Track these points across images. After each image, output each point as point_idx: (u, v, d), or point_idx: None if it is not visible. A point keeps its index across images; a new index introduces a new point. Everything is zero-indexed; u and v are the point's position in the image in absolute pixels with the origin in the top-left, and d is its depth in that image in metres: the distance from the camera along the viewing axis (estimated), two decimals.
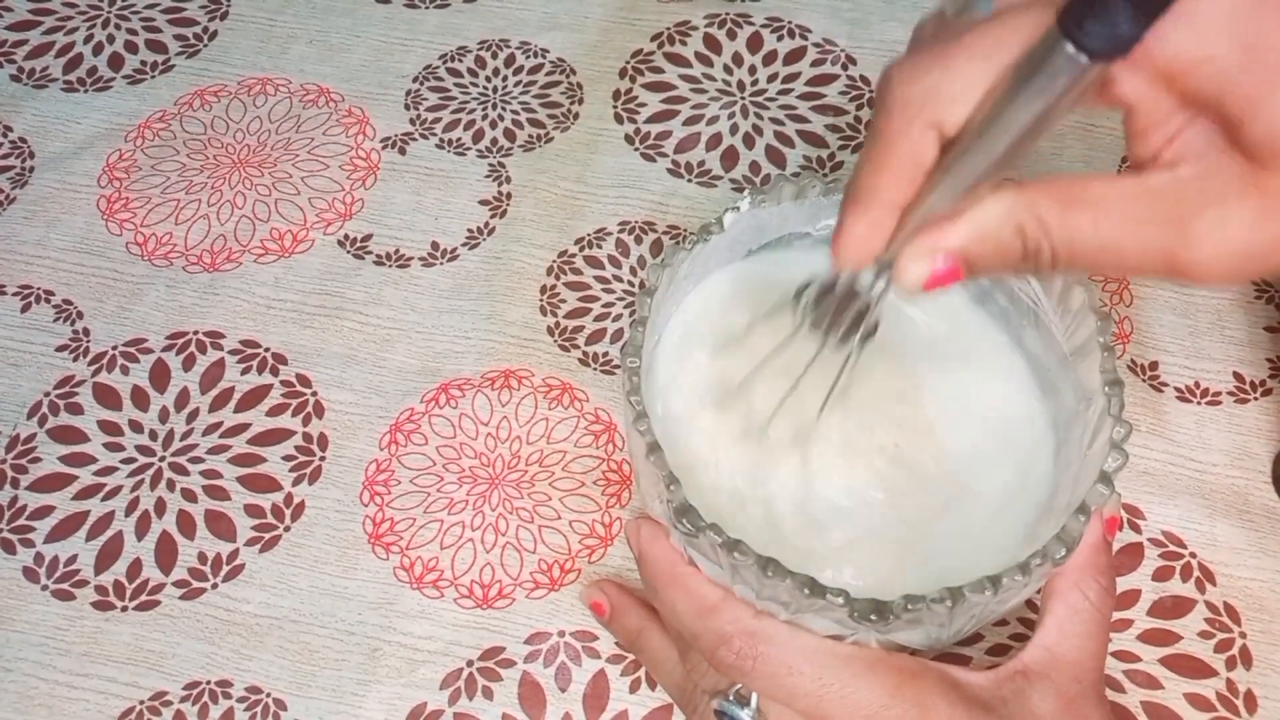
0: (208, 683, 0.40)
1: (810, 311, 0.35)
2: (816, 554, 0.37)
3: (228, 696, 0.39)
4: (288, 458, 0.45)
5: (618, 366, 0.47)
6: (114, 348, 0.48)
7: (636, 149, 0.54)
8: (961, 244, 0.28)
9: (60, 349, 0.48)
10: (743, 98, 0.56)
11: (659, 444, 0.33)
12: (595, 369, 0.47)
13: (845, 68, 0.57)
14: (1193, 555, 0.42)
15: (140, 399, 0.46)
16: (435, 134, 0.55)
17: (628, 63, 0.57)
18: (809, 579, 0.31)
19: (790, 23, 0.59)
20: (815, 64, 0.57)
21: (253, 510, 0.43)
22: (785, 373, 0.38)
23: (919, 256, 0.28)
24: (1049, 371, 0.39)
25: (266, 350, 0.48)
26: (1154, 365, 0.46)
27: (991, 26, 0.26)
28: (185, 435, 0.45)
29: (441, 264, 0.50)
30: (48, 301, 0.49)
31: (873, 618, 0.31)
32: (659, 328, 0.40)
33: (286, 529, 0.43)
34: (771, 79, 0.56)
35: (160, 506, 0.44)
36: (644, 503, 0.40)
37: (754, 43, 0.58)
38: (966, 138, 0.27)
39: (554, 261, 0.50)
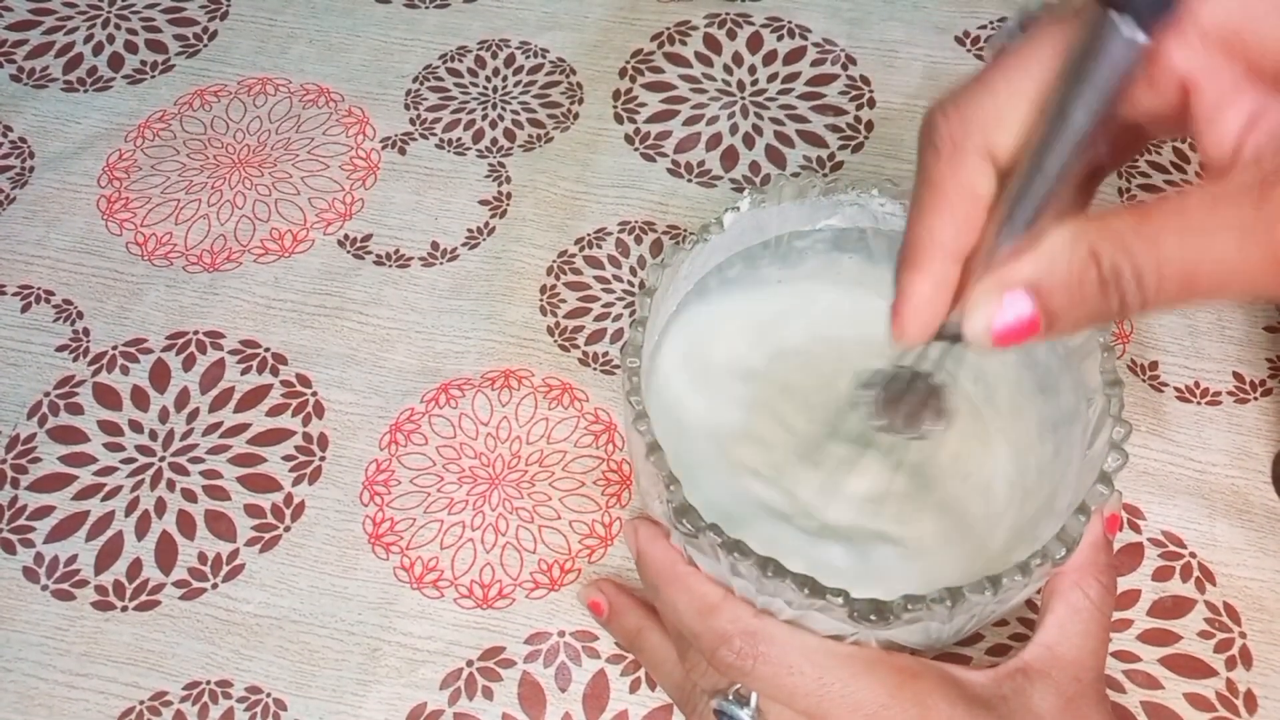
0: (208, 683, 0.40)
1: (878, 407, 0.33)
2: (818, 557, 0.37)
3: (228, 696, 0.39)
4: (288, 458, 0.45)
5: (618, 366, 0.47)
6: (114, 348, 0.48)
7: (636, 149, 0.54)
8: (1031, 275, 0.24)
9: (60, 349, 0.48)
10: (743, 97, 0.56)
11: (659, 444, 0.33)
12: (595, 369, 0.47)
13: (845, 67, 0.57)
14: (1192, 555, 0.42)
15: (140, 399, 0.46)
16: (435, 134, 0.55)
17: (628, 62, 0.57)
18: (809, 579, 0.31)
19: (790, 22, 0.59)
20: (815, 64, 0.57)
21: (253, 510, 0.43)
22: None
23: (986, 296, 0.25)
24: (1049, 371, 0.39)
25: (266, 350, 0.48)
26: (1154, 365, 0.46)
27: (1026, 44, 0.24)
28: (185, 435, 0.45)
29: (441, 264, 0.50)
30: (48, 301, 0.49)
31: (872, 618, 0.31)
32: (659, 328, 0.40)
33: (286, 529, 0.43)
34: (771, 79, 0.56)
35: (160, 506, 0.44)
36: (644, 503, 0.40)
37: (754, 42, 0.58)
38: (1024, 158, 0.25)
39: (554, 261, 0.50)
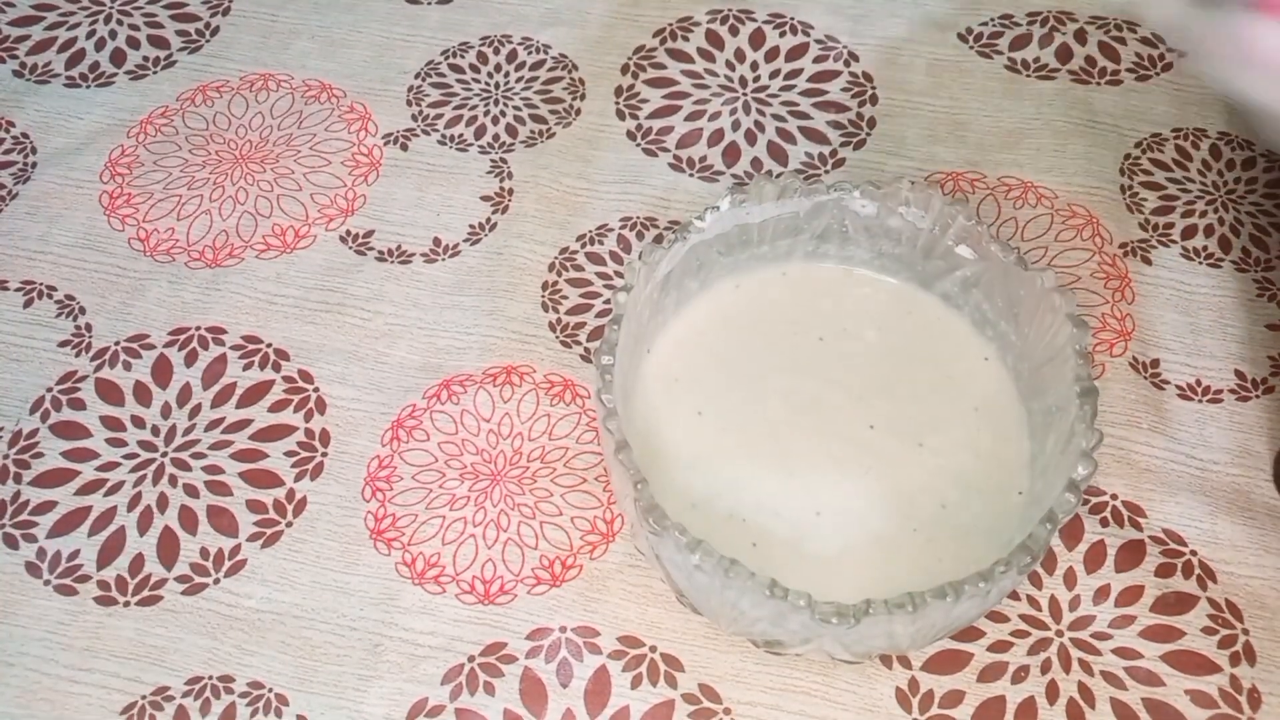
0: (210, 678, 0.40)
1: None
2: (802, 565, 0.37)
3: (230, 692, 0.40)
4: (289, 454, 0.45)
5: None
6: (116, 343, 0.48)
7: (638, 145, 0.54)
8: None
9: (62, 344, 0.48)
10: (745, 94, 0.56)
11: (628, 442, 0.33)
12: None
13: (848, 64, 0.57)
14: (1194, 553, 0.42)
15: (142, 395, 0.46)
16: (437, 130, 0.55)
17: (630, 59, 0.57)
18: (771, 581, 0.31)
19: (792, 19, 0.59)
20: (817, 60, 0.57)
21: (255, 506, 0.43)
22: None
23: None
24: (1027, 378, 0.39)
25: (268, 346, 0.48)
26: (1155, 363, 0.46)
27: None
28: (187, 431, 0.45)
29: (443, 260, 0.50)
30: (50, 297, 0.49)
31: (834, 620, 0.31)
32: (642, 325, 0.40)
33: (288, 524, 0.43)
34: (774, 75, 0.56)
35: (162, 502, 0.44)
36: (619, 501, 0.40)
37: (756, 39, 0.58)
38: None
39: (556, 257, 0.50)
